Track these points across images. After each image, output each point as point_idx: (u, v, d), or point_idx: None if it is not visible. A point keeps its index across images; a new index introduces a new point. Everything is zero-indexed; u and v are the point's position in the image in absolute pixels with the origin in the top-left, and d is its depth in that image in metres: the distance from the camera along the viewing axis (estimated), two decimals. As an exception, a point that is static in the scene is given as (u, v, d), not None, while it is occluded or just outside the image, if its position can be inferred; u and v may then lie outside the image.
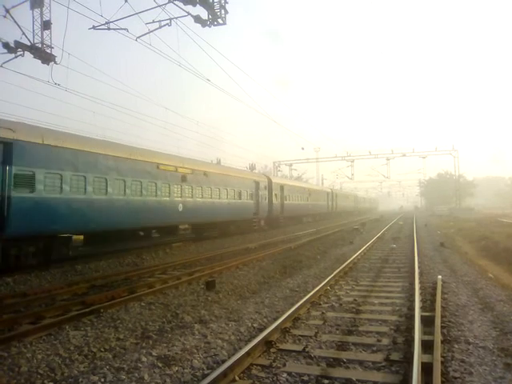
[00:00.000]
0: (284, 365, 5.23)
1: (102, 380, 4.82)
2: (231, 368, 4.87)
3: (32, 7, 15.83)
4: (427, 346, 5.59)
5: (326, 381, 4.74)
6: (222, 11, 14.26)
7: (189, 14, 14.24)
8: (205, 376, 4.78)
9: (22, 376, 5.07)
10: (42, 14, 15.97)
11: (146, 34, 15.46)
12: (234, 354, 5.29)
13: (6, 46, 15.27)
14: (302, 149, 50.90)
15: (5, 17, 15.19)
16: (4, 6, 15.11)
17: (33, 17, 15.94)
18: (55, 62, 15.78)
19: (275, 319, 6.98)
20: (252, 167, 62.08)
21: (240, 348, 5.66)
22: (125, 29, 15.32)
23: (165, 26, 15.28)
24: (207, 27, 14.59)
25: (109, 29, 15.65)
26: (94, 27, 15.75)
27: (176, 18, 14.91)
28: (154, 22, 15.30)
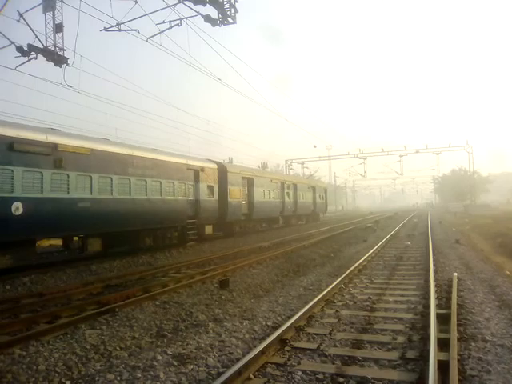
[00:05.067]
0: (299, 363, 5.22)
1: (119, 378, 4.86)
2: (246, 366, 4.87)
3: (44, 10, 16.02)
4: (443, 344, 5.53)
5: (341, 379, 4.71)
6: (232, 10, 14.28)
7: (199, 13, 14.29)
8: (220, 374, 4.79)
9: (40, 374, 5.14)
10: (54, 17, 16.15)
11: (156, 34, 15.59)
12: (248, 353, 5.30)
13: (19, 49, 15.49)
14: (314, 146, 50.83)
15: (18, 21, 15.40)
16: (18, 11, 15.33)
17: (45, 20, 16.14)
18: (67, 65, 15.98)
19: (289, 317, 6.97)
20: (264, 166, 62.11)
21: (254, 346, 5.66)
22: (136, 30, 15.46)
23: (175, 26, 15.37)
24: (217, 26, 14.62)
25: (120, 30, 15.80)
26: (105, 29, 15.92)
27: (186, 18, 14.99)
28: (164, 22, 15.42)
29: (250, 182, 26.86)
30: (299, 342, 6.03)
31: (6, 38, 15.45)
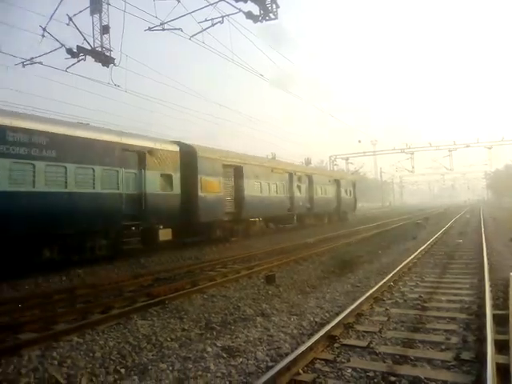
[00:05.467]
0: (348, 360, 5.16)
1: (171, 368, 4.99)
2: (295, 361, 4.85)
3: (92, 13, 16.62)
4: (501, 347, 5.29)
5: (393, 378, 4.61)
6: (274, 6, 14.22)
7: (240, 10, 14.34)
8: (269, 368, 4.81)
9: (96, 361, 5.37)
10: (100, 19, 16.74)
11: (199, 32, 15.78)
12: (297, 348, 5.29)
13: (69, 51, 16.17)
14: (359, 142, 50.12)
15: (68, 24, 16.04)
16: (67, 15, 15.99)
17: (92, 22, 16.74)
18: (114, 65, 16.53)
19: (337, 314, 6.90)
20: (307, 162, 61.79)
21: (303, 342, 5.64)
22: (179, 29, 15.74)
23: (217, 23, 15.51)
24: (259, 23, 14.62)
25: (163, 29, 16.13)
26: (149, 29, 16.30)
27: (228, 15, 15.09)
28: (206, 20, 15.57)
29: (238, 172, 21.21)
30: (348, 339, 5.95)
31: (57, 40, 16.15)
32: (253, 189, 22.15)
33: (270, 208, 23.81)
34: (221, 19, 15.30)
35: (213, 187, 18.86)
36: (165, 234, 16.06)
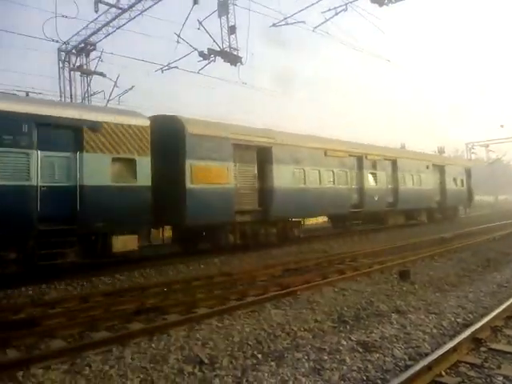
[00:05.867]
0: (498, 367, 4.68)
1: (306, 358, 5.05)
2: (436, 362, 4.58)
3: (220, 15, 17.54)
4: None
5: (557, 394, 4.08)
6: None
7: (365, -5, 13.90)
8: (407, 367, 4.61)
9: (235, 345, 5.67)
10: (228, 20, 17.54)
11: (322, 23, 15.64)
12: (438, 348, 4.98)
13: (201, 54, 17.32)
14: (501, 126, 45.05)
15: (198, 29, 17.18)
16: (198, 20, 17.11)
17: (221, 24, 17.65)
18: (241, 63, 17.24)
19: (483, 316, 6.33)
20: (441, 151, 57.48)
21: (444, 342, 5.29)
22: (302, 21, 15.80)
23: (340, 12, 15.19)
24: (385, 6, 14.02)
25: (287, 24, 16.35)
26: (273, 25, 16.65)
27: (351, 1, 14.70)
28: (329, 10, 15.34)
29: (264, 155, 15.57)
30: (497, 343, 5.41)
31: (190, 45, 17.40)
32: (290, 178, 16.23)
33: (321, 204, 17.49)
34: (344, 7, 15.01)
35: (215, 176, 13.62)
36: (125, 243, 11.66)
